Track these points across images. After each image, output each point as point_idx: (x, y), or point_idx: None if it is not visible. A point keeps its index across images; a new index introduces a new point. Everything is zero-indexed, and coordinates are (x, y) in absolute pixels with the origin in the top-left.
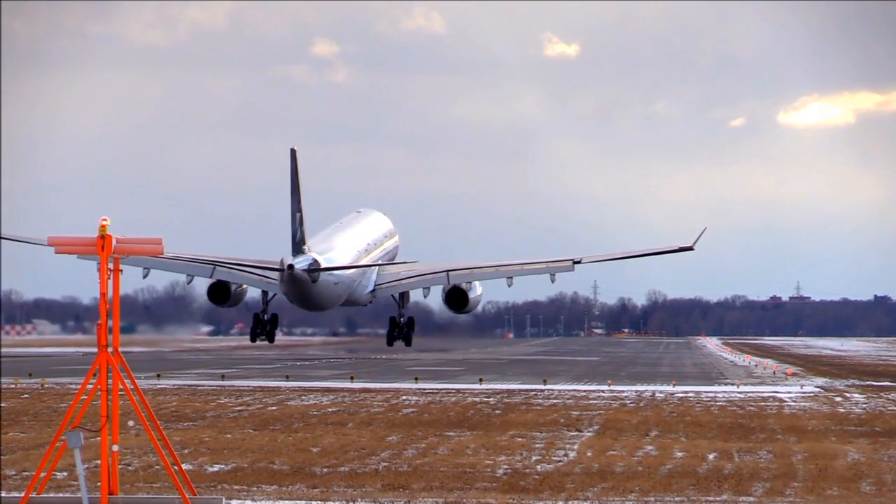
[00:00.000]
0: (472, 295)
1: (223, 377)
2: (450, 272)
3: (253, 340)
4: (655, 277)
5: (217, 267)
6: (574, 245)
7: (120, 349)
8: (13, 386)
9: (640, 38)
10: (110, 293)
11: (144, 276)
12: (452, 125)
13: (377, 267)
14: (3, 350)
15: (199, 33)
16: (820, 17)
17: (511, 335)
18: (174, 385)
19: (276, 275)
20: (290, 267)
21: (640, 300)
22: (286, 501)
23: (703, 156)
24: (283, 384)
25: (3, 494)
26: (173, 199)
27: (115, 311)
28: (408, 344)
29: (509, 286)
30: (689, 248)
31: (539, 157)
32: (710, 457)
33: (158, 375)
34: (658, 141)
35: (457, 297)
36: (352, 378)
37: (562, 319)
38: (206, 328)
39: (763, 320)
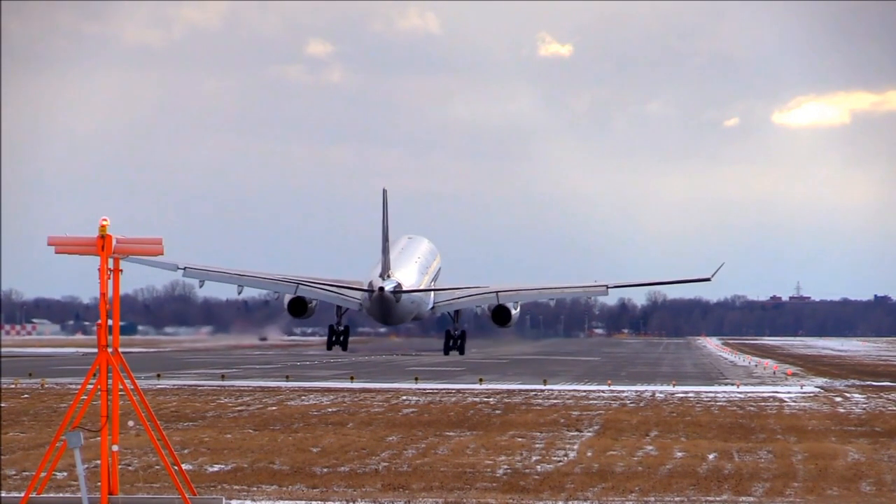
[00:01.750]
0: (514, 312)
1: (223, 377)
2: (499, 293)
3: (329, 348)
4: (655, 278)
5: (300, 285)
6: (572, 245)
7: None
8: (13, 386)
9: (633, 37)
10: (110, 293)
11: (239, 293)
12: (447, 125)
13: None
14: (3, 350)
15: (195, 33)
16: (815, 16)
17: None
18: (174, 385)
19: (354, 293)
20: (381, 289)
21: (640, 300)
22: (286, 501)
23: (698, 156)
24: (283, 384)
25: (3, 494)
26: (171, 199)
27: (115, 311)
28: (461, 353)
29: (552, 306)
30: (707, 279)
31: (534, 157)
32: (710, 457)
33: (158, 375)
34: (653, 141)
35: (502, 314)
36: (352, 378)
37: (562, 320)
38: (207, 328)
39: (763, 320)
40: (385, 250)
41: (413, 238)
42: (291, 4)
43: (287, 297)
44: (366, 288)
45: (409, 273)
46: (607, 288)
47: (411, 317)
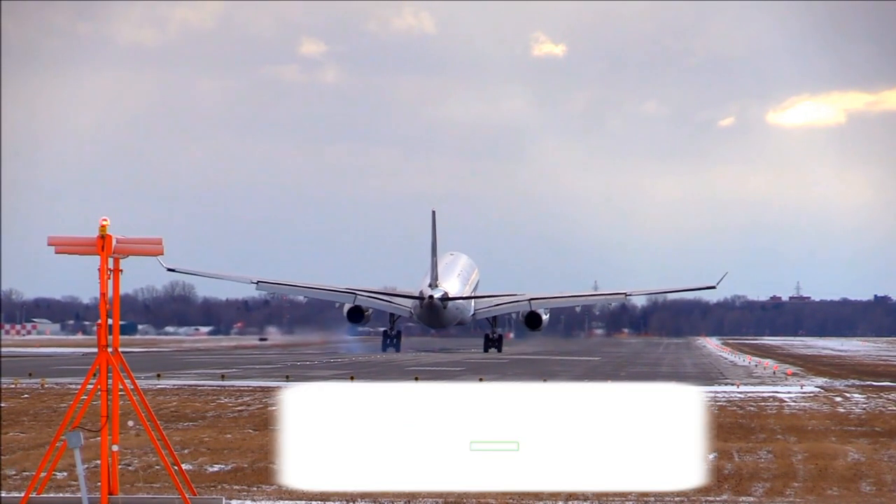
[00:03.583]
0: (544, 317)
1: (223, 377)
2: (531, 300)
3: (384, 350)
4: (655, 278)
5: (357, 295)
6: (566, 245)
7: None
8: (13, 386)
9: (628, 37)
10: (110, 293)
11: (304, 300)
12: (442, 125)
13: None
14: (3, 350)
15: (189, 33)
16: (809, 15)
17: (512, 335)
18: (174, 385)
19: (405, 302)
20: (431, 297)
21: (639, 300)
22: (286, 501)
23: (693, 155)
24: (283, 384)
25: (3, 494)
26: (169, 199)
27: (116, 311)
28: (499, 351)
29: (578, 311)
30: (712, 287)
31: (530, 157)
32: (710, 457)
33: (158, 375)
34: (648, 141)
35: (533, 319)
36: (352, 378)
37: (562, 319)
38: (206, 328)
39: (763, 320)
40: (434, 264)
41: (455, 254)
42: (285, 4)
43: (346, 306)
44: (417, 296)
45: (453, 283)
46: (626, 295)
47: (456, 322)
